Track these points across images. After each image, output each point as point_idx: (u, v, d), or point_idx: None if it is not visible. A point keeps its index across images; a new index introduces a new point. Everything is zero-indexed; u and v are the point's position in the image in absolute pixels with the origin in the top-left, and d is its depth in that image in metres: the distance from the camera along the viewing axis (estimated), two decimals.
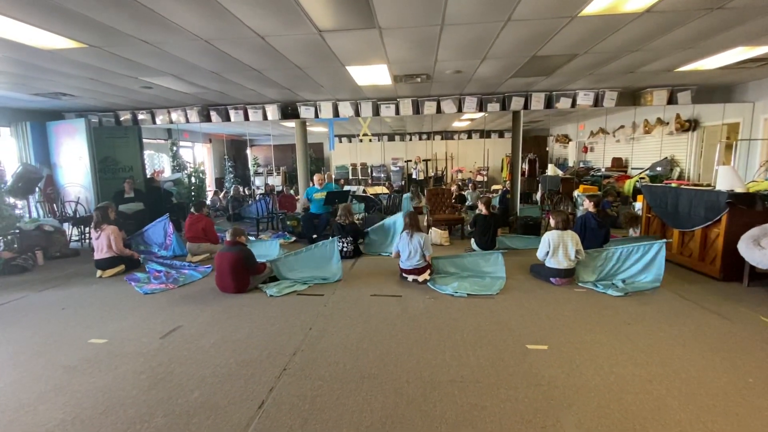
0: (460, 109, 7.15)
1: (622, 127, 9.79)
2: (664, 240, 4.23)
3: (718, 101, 6.81)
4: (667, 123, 8.20)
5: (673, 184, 5.21)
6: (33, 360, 2.89)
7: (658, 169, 8.23)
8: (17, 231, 5.94)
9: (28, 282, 4.92)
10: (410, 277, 4.55)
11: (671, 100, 6.63)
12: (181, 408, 2.28)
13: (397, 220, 6.02)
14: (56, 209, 7.29)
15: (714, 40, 4.13)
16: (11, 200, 6.44)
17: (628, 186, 8.44)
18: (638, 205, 6.62)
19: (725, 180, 4.38)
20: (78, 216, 7.00)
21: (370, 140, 13.69)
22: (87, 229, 6.92)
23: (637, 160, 9.51)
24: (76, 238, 7.10)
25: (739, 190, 4.21)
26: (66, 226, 6.91)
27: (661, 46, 4.31)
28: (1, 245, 5.79)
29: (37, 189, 7.06)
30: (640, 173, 8.68)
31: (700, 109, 7.53)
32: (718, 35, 3.96)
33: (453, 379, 2.52)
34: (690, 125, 7.78)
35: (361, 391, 2.40)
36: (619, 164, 10.19)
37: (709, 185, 5.03)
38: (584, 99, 6.78)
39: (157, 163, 11.35)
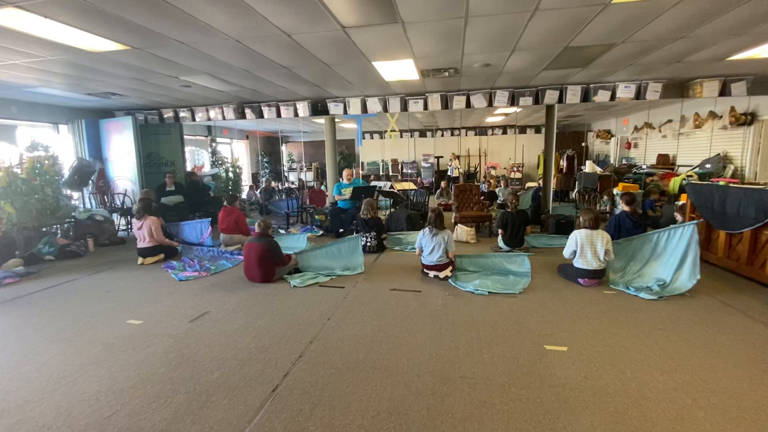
0: (490, 104, 6.98)
1: (669, 121, 9.16)
2: (694, 222, 3.98)
3: None
4: (721, 116, 7.58)
5: (721, 182, 4.82)
6: (76, 336, 3.17)
7: (708, 166, 7.62)
8: (72, 220, 6.49)
9: (79, 266, 5.37)
10: (432, 273, 4.53)
11: (724, 92, 6.12)
12: (202, 387, 2.43)
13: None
14: (106, 200, 7.88)
15: None
16: (68, 192, 7.04)
17: (673, 184, 7.88)
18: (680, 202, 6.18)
19: None
20: (125, 207, 7.54)
21: (401, 136, 13.71)
22: (133, 219, 7.44)
23: (686, 156, 8.87)
24: (123, 227, 7.65)
25: None
26: (114, 216, 7.47)
27: (708, 32, 4.00)
28: (58, 232, 6.36)
29: (90, 181, 7.67)
30: (689, 170, 8.08)
31: (759, 101, 6.89)
32: None
33: (464, 375, 2.50)
34: (746, 119, 7.13)
35: (371, 382, 2.44)
36: (665, 161, 9.53)
37: (766, 184, 4.61)
38: (625, 92, 6.40)
39: (198, 158, 11.96)
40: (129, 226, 7.61)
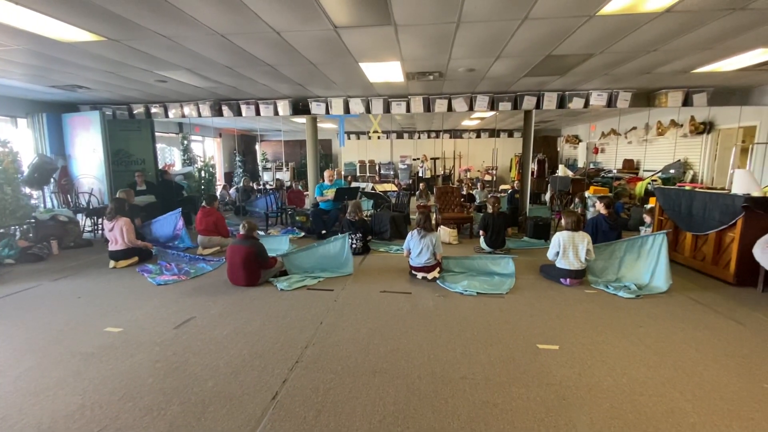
0: (471, 108, 7.12)
1: (634, 128, 9.69)
2: (664, 231, 4.31)
3: (735, 104, 6.70)
4: (681, 125, 8.10)
5: (687, 187, 5.15)
6: (51, 346, 2.95)
7: (671, 171, 8.13)
8: (33, 221, 6.04)
9: (43, 270, 5.01)
10: (420, 275, 4.56)
11: (686, 102, 6.54)
12: (197, 397, 2.32)
13: None
14: (70, 200, 7.39)
15: (734, 42, 4.07)
16: (27, 190, 6.55)
17: (639, 188, 8.36)
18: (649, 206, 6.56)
19: (741, 183, 4.32)
20: (91, 207, 7.10)
21: (379, 137, 13.70)
22: (100, 220, 7.02)
23: (650, 162, 9.41)
24: (89, 229, 7.20)
25: (755, 194, 4.15)
26: (80, 216, 7.02)
27: (679, 46, 4.26)
28: (17, 234, 5.90)
29: (52, 180, 7.17)
30: (652, 175, 8.59)
31: (716, 112, 7.43)
32: (738, 36, 3.90)
33: (464, 376, 2.53)
34: (705, 128, 7.67)
35: (372, 386, 2.42)
36: (630, 166, 10.09)
37: (723, 189, 4.97)
38: (597, 99, 6.71)
39: (168, 156, 11.45)
40: (95, 227, 7.18)
